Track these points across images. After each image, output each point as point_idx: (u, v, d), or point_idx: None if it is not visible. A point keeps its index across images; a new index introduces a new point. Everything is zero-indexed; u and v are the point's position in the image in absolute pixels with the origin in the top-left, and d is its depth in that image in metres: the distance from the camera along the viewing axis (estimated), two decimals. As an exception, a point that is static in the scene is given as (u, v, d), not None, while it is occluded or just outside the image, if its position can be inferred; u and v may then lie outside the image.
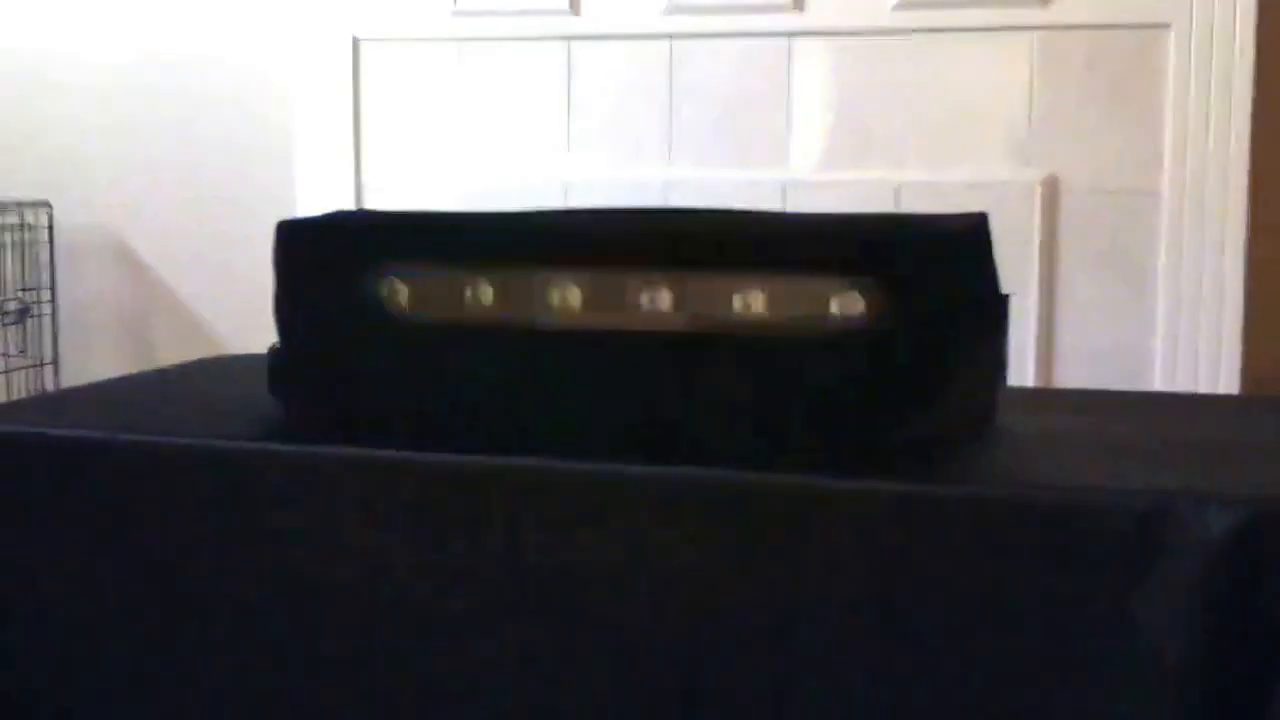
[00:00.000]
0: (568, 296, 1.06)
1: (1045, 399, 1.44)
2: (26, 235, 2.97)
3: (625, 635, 0.99)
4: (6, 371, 2.99)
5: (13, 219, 2.95)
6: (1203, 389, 2.34)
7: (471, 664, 1.02)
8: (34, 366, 3.00)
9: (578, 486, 1.00)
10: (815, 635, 0.95)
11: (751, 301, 1.02)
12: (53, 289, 3.00)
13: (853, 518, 0.94)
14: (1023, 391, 1.74)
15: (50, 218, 2.98)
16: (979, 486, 0.94)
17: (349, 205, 2.67)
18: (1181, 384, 2.36)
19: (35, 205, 2.97)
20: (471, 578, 1.02)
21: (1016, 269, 2.35)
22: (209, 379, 1.42)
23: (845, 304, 1.00)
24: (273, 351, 1.17)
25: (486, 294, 1.08)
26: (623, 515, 0.99)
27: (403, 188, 2.68)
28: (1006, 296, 1.12)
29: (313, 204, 2.66)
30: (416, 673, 1.04)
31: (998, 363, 1.14)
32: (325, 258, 1.14)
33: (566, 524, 1.00)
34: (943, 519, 0.92)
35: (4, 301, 2.96)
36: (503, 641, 1.01)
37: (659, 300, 1.04)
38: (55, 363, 3.01)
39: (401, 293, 1.10)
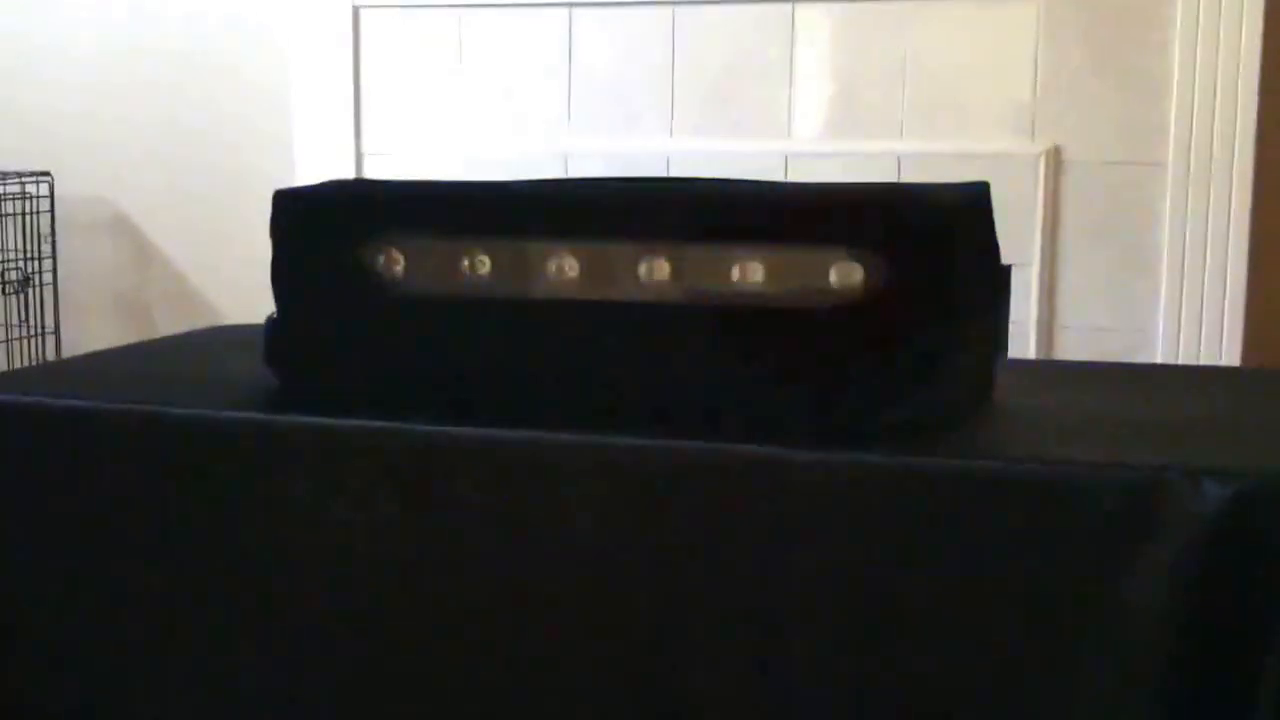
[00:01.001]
0: (564, 267, 1.05)
1: (1044, 372, 1.43)
2: (27, 205, 2.96)
3: (615, 606, 0.99)
4: (7, 341, 2.99)
5: (14, 189, 2.95)
6: (1205, 361, 2.33)
7: (462, 636, 1.02)
8: (35, 336, 3.00)
9: (573, 458, 1.00)
10: (802, 607, 0.95)
11: (749, 272, 1.01)
12: (54, 259, 3.00)
13: (844, 490, 0.94)
14: (1022, 364, 1.74)
15: (51, 188, 2.98)
16: (969, 460, 0.94)
17: (349, 174, 2.67)
18: (1184, 357, 2.35)
19: (36, 176, 2.96)
20: (466, 550, 1.02)
21: (1019, 241, 2.34)
22: (206, 349, 1.42)
23: (844, 274, 0.99)
24: (269, 322, 1.16)
25: (483, 265, 1.08)
26: (617, 487, 0.98)
27: (403, 156, 2.67)
28: (1007, 268, 1.12)
29: (312, 172, 2.65)
30: (406, 643, 1.04)
31: (997, 335, 1.14)
32: (322, 228, 1.13)
33: (561, 496, 1.00)
34: (932, 492, 0.92)
35: (5, 271, 2.96)
36: (496, 614, 1.01)
37: (657, 271, 1.03)
38: (56, 333, 3.01)
39: (398, 263, 1.09)
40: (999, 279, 1.11)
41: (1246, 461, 0.93)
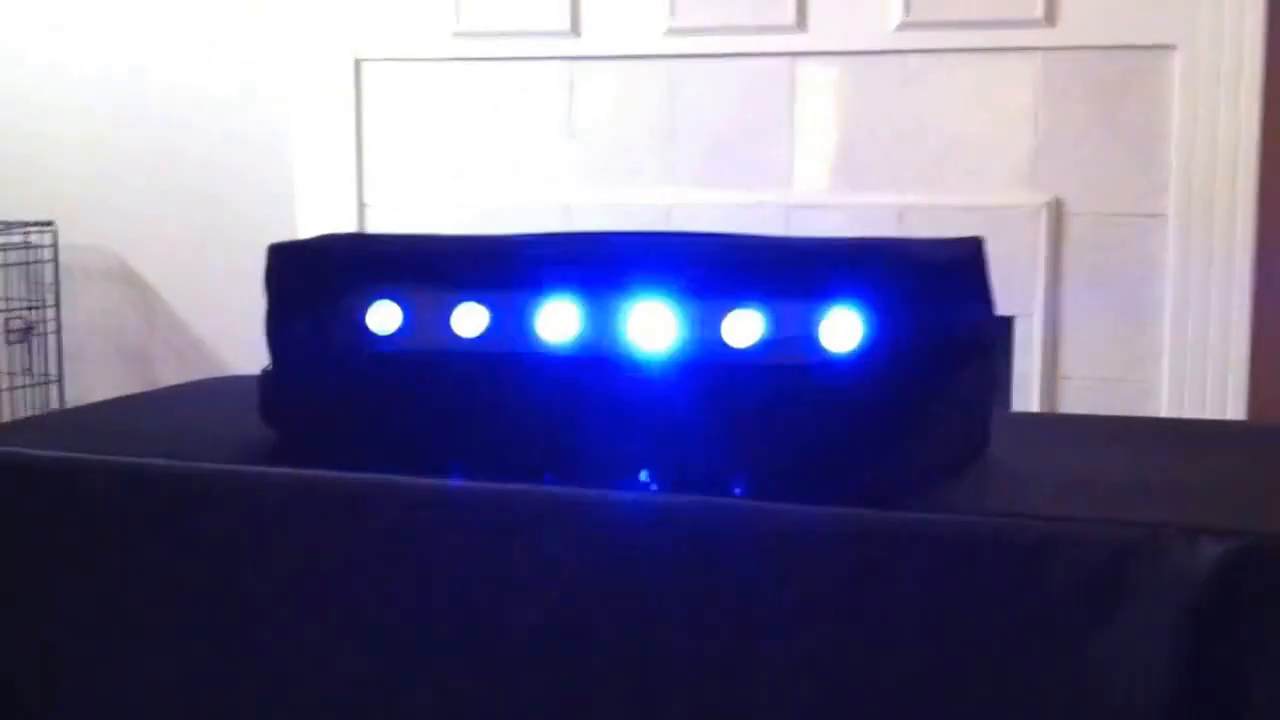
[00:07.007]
0: (559, 321, 1.06)
1: (1043, 425, 1.43)
2: (30, 255, 2.98)
3: (601, 658, 0.98)
4: (11, 389, 3.01)
5: (17, 238, 2.97)
6: (1209, 413, 2.33)
7: (456, 684, 1.02)
8: (38, 384, 3.01)
9: (568, 511, 1.00)
10: (786, 662, 0.94)
11: (742, 326, 1.01)
12: (56, 308, 3.02)
13: (832, 545, 0.93)
14: (1022, 417, 1.73)
15: (54, 238, 3.00)
16: (960, 516, 0.93)
17: (350, 225, 2.68)
18: (1188, 408, 2.34)
19: (39, 225, 2.98)
20: (457, 601, 1.01)
21: (1021, 293, 2.34)
22: (206, 401, 1.42)
23: (836, 329, 0.99)
24: (264, 375, 1.16)
25: (477, 318, 1.08)
26: (608, 540, 0.98)
27: (404, 207, 2.68)
28: (1003, 321, 1.11)
29: (314, 223, 2.67)
30: (397, 692, 1.03)
31: (991, 390, 1.13)
32: (317, 281, 1.13)
33: (554, 549, 1.00)
34: (922, 548, 0.92)
35: (9, 320, 2.98)
36: (487, 667, 1.01)
37: (650, 325, 1.03)
38: (59, 380, 3.02)
39: (392, 317, 1.10)
40: (995, 332, 1.10)
41: (1244, 520, 0.92)
